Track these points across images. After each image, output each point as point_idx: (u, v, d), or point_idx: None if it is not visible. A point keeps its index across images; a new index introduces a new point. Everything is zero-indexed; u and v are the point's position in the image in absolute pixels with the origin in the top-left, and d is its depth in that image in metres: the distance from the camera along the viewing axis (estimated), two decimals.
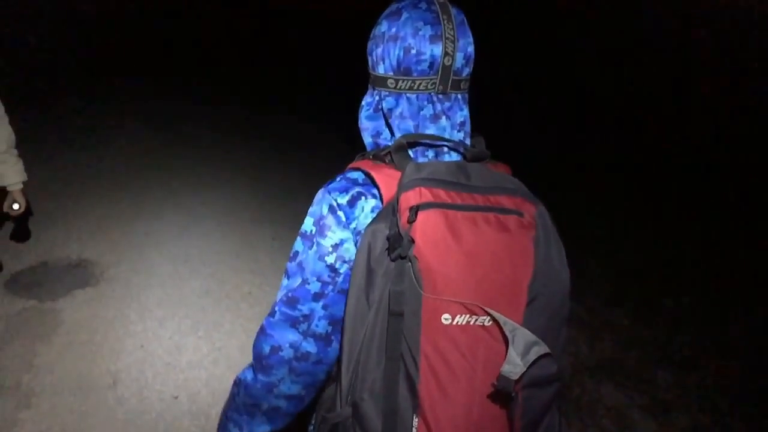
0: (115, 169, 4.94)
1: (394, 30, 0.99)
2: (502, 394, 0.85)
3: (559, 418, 0.99)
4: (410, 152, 1.00)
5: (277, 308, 1.00)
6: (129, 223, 4.10)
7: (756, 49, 7.98)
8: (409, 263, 0.84)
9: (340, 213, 0.95)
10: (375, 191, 0.96)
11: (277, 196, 4.82)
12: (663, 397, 3.02)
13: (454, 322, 0.85)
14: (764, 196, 5.67)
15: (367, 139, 1.06)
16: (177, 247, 3.85)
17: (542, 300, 0.90)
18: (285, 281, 1.00)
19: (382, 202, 0.93)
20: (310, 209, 1.00)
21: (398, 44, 0.98)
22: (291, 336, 0.99)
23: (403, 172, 0.90)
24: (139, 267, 3.58)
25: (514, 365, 0.84)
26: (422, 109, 1.00)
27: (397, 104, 1.01)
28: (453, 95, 1.01)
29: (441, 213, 0.85)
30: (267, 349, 1.01)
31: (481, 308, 0.85)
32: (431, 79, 0.98)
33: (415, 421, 0.87)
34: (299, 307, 0.98)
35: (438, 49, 0.97)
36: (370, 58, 1.05)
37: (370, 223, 0.89)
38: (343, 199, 0.96)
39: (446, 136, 1.01)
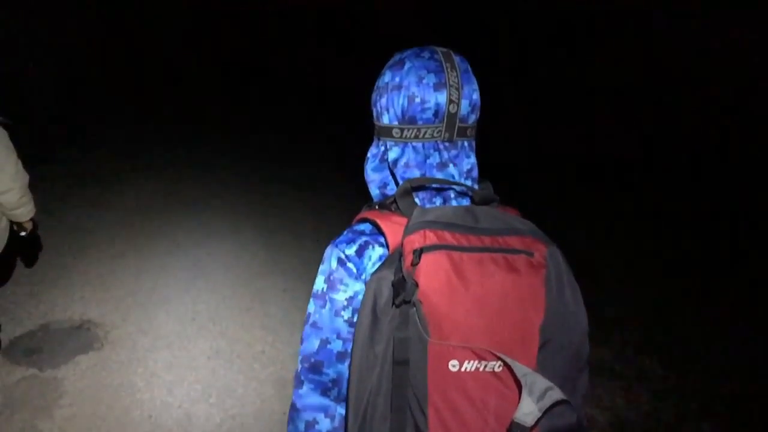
0: (116, 221, 4.79)
1: (397, 80, 0.99)
2: None
3: None
4: (417, 200, 0.97)
5: (302, 377, 0.95)
6: (133, 278, 3.93)
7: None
8: (414, 308, 0.81)
9: (350, 265, 0.93)
10: (382, 239, 0.94)
11: (284, 244, 4.66)
12: None
13: (463, 369, 0.81)
14: None
15: (374, 191, 1.05)
16: (184, 303, 3.67)
17: (557, 343, 0.86)
18: (301, 346, 0.96)
19: (389, 250, 0.90)
20: (320, 267, 0.97)
21: (402, 93, 0.97)
22: (324, 406, 0.95)
23: (409, 217, 0.88)
24: (145, 327, 3.39)
25: (528, 411, 0.80)
26: (428, 158, 0.98)
27: (402, 154, 1.00)
28: (460, 143, 1.00)
29: (446, 255, 0.82)
30: (302, 426, 0.95)
31: (490, 353, 0.81)
32: (437, 127, 0.97)
33: None
34: (326, 371, 0.94)
35: (442, 97, 0.96)
36: (374, 109, 1.04)
37: (375, 271, 0.86)
38: (351, 250, 0.94)
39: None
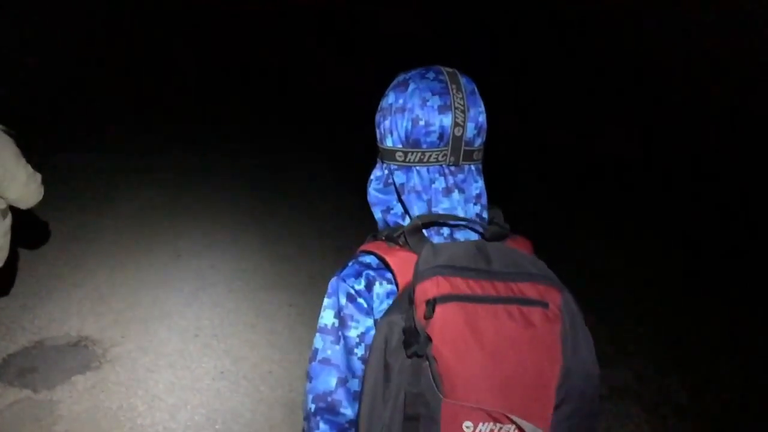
0: (115, 230, 4.61)
1: (401, 101, 0.96)
2: None
3: None
4: (424, 231, 0.94)
5: (319, 418, 0.89)
6: (132, 291, 3.76)
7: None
8: (427, 362, 0.79)
9: (361, 300, 0.91)
10: (389, 275, 0.91)
11: (289, 256, 4.50)
12: None
13: (477, 431, 0.79)
14: None
15: (377, 215, 1.02)
16: (186, 319, 3.51)
17: (571, 403, 0.85)
18: (310, 384, 0.91)
19: (397, 288, 0.88)
20: (326, 301, 0.93)
21: (406, 116, 0.94)
22: None
23: (418, 256, 0.85)
24: (146, 344, 3.23)
25: None
26: (434, 182, 0.95)
27: (408, 178, 0.96)
28: (466, 167, 0.97)
29: (460, 307, 0.80)
30: None
31: (505, 416, 0.78)
32: (442, 151, 0.94)
33: None
34: (342, 411, 0.89)
35: (448, 120, 0.93)
36: (378, 131, 1.01)
37: (385, 314, 0.84)
38: (360, 285, 0.91)
39: (460, 209, 0.95)
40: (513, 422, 0.79)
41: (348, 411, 0.89)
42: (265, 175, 6.24)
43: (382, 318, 0.84)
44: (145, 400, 2.80)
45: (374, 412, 0.82)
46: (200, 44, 9.96)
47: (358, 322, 0.90)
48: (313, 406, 0.90)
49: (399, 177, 0.97)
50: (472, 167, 0.98)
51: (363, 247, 0.97)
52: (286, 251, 4.57)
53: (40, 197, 2.52)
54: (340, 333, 0.90)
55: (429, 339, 0.78)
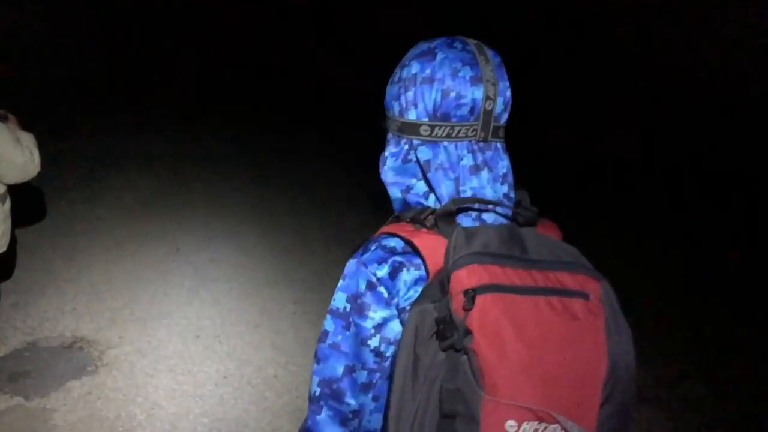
0: (112, 223, 4.42)
1: (428, 71, 0.88)
2: None
3: None
4: None
5: (322, 402, 0.86)
6: (130, 288, 3.59)
7: None
8: (465, 356, 0.73)
9: (381, 289, 0.84)
10: (418, 261, 0.83)
11: (292, 250, 4.33)
12: None
13: (521, 431, 0.73)
14: None
15: (395, 195, 0.94)
16: (186, 318, 3.35)
17: (616, 399, 0.80)
18: (317, 366, 0.87)
19: (427, 274, 0.81)
20: (342, 283, 0.87)
21: (435, 87, 0.87)
22: None
23: (449, 240, 0.78)
24: (144, 346, 3.07)
25: None
26: (462, 159, 0.88)
27: (434, 154, 0.89)
28: (493, 144, 0.91)
29: (499, 298, 0.74)
30: None
31: (551, 415, 0.73)
32: (472, 126, 0.88)
33: None
34: (347, 401, 0.85)
35: (479, 92, 0.86)
36: (396, 103, 0.92)
37: (416, 302, 0.77)
38: (383, 272, 0.84)
39: (489, 189, 0.89)
40: (558, 422, 0.73)
41: (352, 401, 0.85)
42: (264, 169, 6.03)
43: (413, 306, 0.77)
44: (144, 408, 2.65)
45: (404, 409, 0.76)
46: (200, 44, 9.73)
47: (375, 312, 0.84)
48: (318, 390, 0.87)
49: (423, 153, 0.90)
50: (499, 145, 0.92)
51: (385, 229, 0.89)
52: (289, 245, 4.40)
53: (38, 170, 2.50)
54: (351, 319, 0.85)
55: (468, 332, 0.72)
